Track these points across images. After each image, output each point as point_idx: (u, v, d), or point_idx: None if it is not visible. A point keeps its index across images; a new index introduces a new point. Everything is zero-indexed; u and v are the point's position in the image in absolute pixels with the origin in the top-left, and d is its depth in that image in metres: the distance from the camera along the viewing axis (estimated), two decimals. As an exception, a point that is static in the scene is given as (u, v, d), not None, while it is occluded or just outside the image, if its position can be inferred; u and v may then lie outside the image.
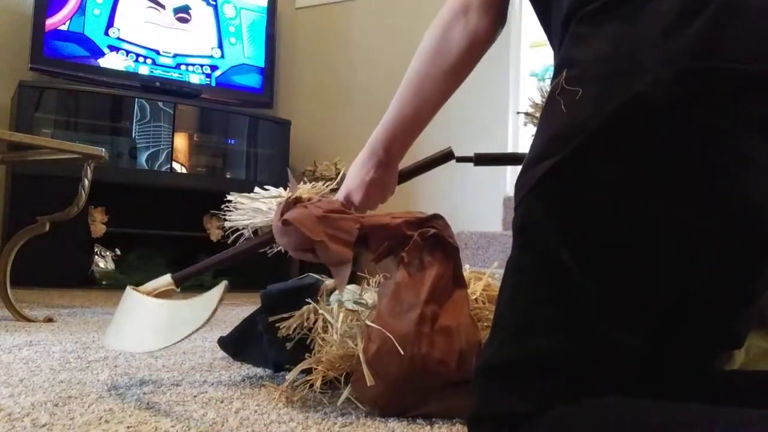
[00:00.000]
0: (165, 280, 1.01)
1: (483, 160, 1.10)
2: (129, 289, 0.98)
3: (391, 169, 0.94)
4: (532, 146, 0.63)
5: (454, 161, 1.07)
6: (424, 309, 0.83)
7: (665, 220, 0.55)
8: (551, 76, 0.65)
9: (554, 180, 0.58)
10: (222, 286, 0.80)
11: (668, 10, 0.56)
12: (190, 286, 3.20)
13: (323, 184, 1.08)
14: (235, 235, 1.05)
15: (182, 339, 0.83)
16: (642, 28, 0.56)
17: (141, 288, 1.00)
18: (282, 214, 0.91)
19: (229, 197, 1.07)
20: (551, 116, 0.61)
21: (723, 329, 0.63)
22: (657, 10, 0.56)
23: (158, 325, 0.90)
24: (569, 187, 0.57)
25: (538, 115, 1.00)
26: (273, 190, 1.06)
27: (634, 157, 0.55)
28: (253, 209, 1.02)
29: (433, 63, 0.82)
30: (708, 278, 0.58)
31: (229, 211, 1.06)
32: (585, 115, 0.57)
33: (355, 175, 0.94)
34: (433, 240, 0.89)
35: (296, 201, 0.93)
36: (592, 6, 0.60)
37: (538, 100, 0.96)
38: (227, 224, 1.05)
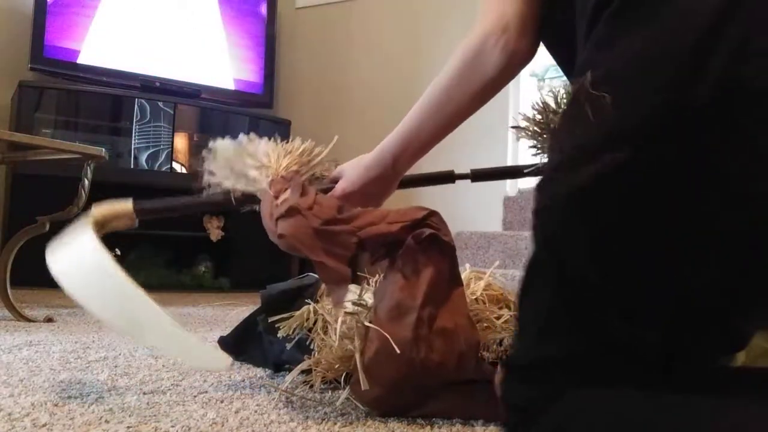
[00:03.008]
0: (126, 211, 0.95)
1: (480, 176, 1.11)
2: (89, 225, 0.91)
3: (393, 182, 0.93)
4: (556, 150, 0.63)
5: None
6: (421, 312, 0.82)
7: (701, 231, 0.55)
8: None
9: (585, 191, 0.57)
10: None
11: (701, 9, 0.54)
12: (189, 285, 3.15)
13: (316, 148, 1.03)
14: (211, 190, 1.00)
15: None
16: (673, 30, 0.55)
17: (99, 215, 0.93)
18: (276, 219, 0.87)
19: (212, 144, 0.99)
20: (576, 121, 0.60)
21: (733, 331, 0.63)
22: (688, 10, 0.55)
23: (137, 319, 0.82)
24: (601, 199, 0.57)
25: (531, 128, 1.00)
26: (261, 152, 0.98)
27: (674, 169, 0.54)
28: (241, 173, 0.97)
29: (462, 83, 0.80)
30: (728, 280, 0.58)
31: (216, 164, 0.99)
32: (615, 124, 0.56)
33: (354, 181, 0.93)
34: (428, 240, 0.87)
35: (292, 207, 0.88)
36: (616, 4, 0.59)
37: (531, 113, 0.97)
38: (208, 178, 0.99)
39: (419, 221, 0.88)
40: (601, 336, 0.58)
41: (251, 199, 0.97)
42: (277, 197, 0.89)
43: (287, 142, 1.03)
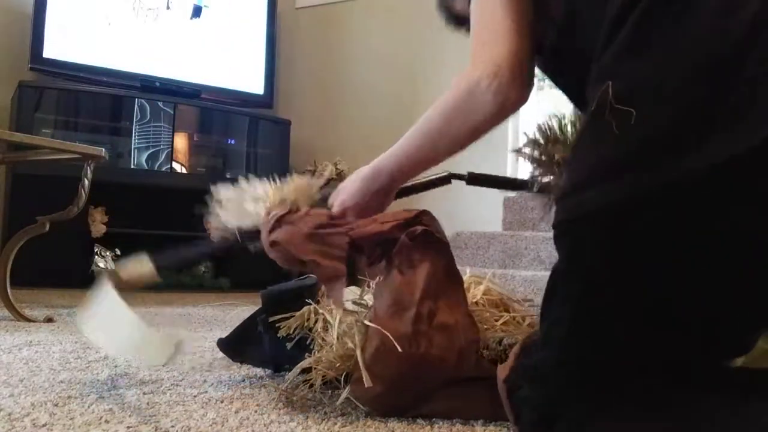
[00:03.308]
0: (145, 268, 1.00)
1: (475, 180, 1.11)
2: (106, 279, 0.96)
3: (390, 194, 0.94)
4: (579, 160, 0.63)
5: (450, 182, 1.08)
6: (420, 307, 0.83)
7: (722, 251, 0.55)
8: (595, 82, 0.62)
9: (611, 209, 0.58)
10: (176, 342, 0.79)
11: (729, 18, 0.53)
12: (189, 285, 3.15)
13: (315, 179, 1.05)
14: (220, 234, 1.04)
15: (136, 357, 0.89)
16: (700, 40, 0.54)
17: (120, 272, 0.98)
18: (270, 231, 0.91)
19: (215, 193, 1.04)
20: (600, 134, 0.59)
21: (739, 342, 0.64)
22: (718, 15, 0.54)
23: (123, 338, 0.91)
24: (626, 218, 0.57)
25: (532, 153, 1.00)
26: (260, 189, 1.03)
27: (699, 189, 0.54)
28: (243, 209, 1.01)
29: (454, 123, 0.81)
30: (745, 300, 0.59)
31: (218, 209, 1.04)
32: (642, 139, 0.56)
33: (353, 194, 0.94)
34: (422, 237, 0.88)
35: (283, 217, 0.93)
36: (644, 5, 0.58)
37: (533, 134, 0.98)
38: (216, 224, 1.04)
39: (411, 220, 0.90)
40: (615, 344, 0.60)
41: (255, 234, 1.00)
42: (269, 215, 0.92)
43: (285, 181, 1.06)
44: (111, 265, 2.91)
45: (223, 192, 1.04)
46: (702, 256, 0.56)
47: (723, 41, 0.54)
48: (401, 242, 0.88)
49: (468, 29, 0.83)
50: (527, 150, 1.00)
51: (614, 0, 0.62)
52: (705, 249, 0.55)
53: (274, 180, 1.05)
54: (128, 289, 0.98)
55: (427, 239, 0.89)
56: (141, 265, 1.01)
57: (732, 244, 0.54)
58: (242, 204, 1.01)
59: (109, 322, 0.93)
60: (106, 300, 0.95)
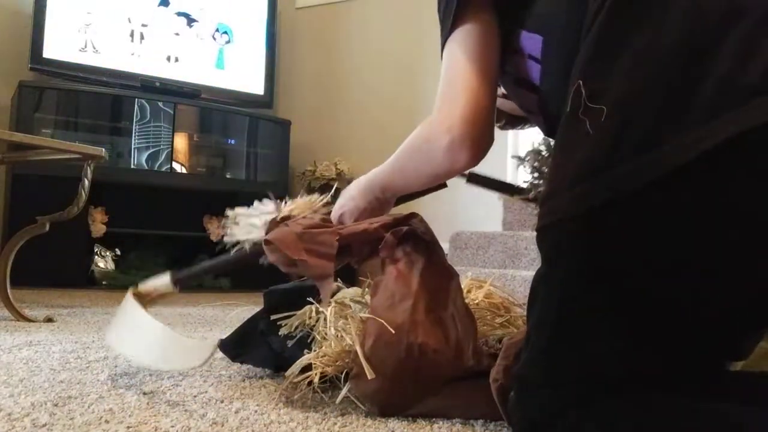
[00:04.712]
0: (165, 282, 1.05)
1: (475, 179, 1.12)
2: (129, 294, 1.02)
3: (387, 203, 0.97)
4: (559, 165, 0.63)
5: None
6: (416, 299, 0.85)
7: (717, 260, 0.54)
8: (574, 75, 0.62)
9: (594, 215, 0.57)
10: (213, 345, 0.85)
11: (699, 17, 0.53)
12: (189, 285, 3.14)
13: (318, 196, 1.11)
14: (236, 249, 1.10)
15: (168, 370, 0.95)
16: (669, 36, 0.54)
17: (141, 288, 1.03)
18: (266, 233, 0.96)
19: (228, 212, 1.12)
20: (574, 135, 0.60)
21: (736, 346, 0.63)
22: (688, 15, 0.54)
23: (152, 346, 0.97)
24: (602, 222, 0.57)
25: (533, 162, 1.01)
26: (269, 206, 1.10)
27: (672, 192, 0.53)
28: (250, 224, 1.07)
29: (415, 165, 0.83)
30: (740, 305, 0.58)
31: (230, 225, 1.11)
32: (614, 143, 0.55)
33: (349, 199, 0.97)
34: (408, 237, 0.92)
35: (282, 220, 0.98)
36: (609, 4, 0.58)
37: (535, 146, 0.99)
38: (226, 239, 1.10)
39: (399, 220, 0.94)
40: (601, 351, 0.59)
41: (260, 247, 1.03)
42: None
43: (292, 201, 1.11)
44: (111, 265, 2.92)
45: (237, 212, 1.11)
46: (678, 253, 0.55)
47: (693, 36, 0.54)
48: (386, 240, 0.91)
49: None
50: (529, 158, 1.01)
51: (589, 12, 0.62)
52: (681, 247, 0.55)
53: (285, 201, 1.12)
54: (149, 304, 1.04)
55: (415, 239, 0.91)
56: (159, 280, 1.07)
57: (710, 239, 0.54)
58: (250, 218, 1.07)
59: (137, 334, 0.98)
60: (130, 314, 1.00)
